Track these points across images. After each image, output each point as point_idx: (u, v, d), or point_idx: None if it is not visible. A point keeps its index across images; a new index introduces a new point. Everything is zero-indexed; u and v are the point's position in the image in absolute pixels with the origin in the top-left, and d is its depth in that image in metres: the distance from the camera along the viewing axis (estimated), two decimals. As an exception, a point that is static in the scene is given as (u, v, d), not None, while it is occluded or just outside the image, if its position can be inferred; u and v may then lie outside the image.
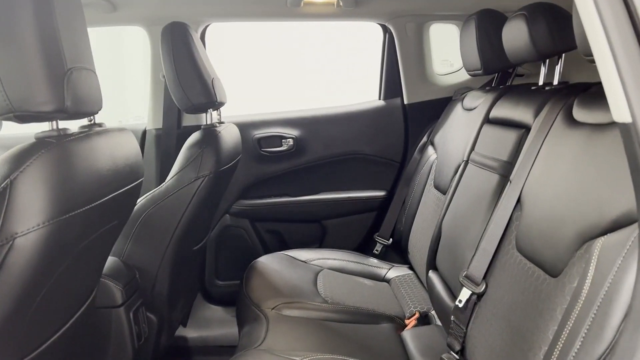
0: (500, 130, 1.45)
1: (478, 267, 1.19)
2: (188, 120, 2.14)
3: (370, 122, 2.29)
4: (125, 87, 3.86)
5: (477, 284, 1.18)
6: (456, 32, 2.26)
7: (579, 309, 0.79)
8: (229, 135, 1.70)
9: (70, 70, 0.90)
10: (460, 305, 1.21)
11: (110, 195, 1.01)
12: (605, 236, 0.80)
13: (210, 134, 1.59)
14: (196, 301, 2.19)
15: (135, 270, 1.48)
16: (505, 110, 1.49)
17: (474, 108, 1.73)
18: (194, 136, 1.61)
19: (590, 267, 0.80)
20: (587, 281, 0.79)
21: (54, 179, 0.83)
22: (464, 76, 2.23)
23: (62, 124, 0.95)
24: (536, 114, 1.26)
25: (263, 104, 2.49)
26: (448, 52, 2.39)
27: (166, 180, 1.55)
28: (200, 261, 2.12)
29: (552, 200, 1.01)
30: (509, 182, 1.24)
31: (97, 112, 1.04)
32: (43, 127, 0.94)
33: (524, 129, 1.32)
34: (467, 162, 1.58)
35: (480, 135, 1.57)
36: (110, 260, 1.44)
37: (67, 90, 0.88)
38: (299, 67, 4.09)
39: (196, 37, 1.64)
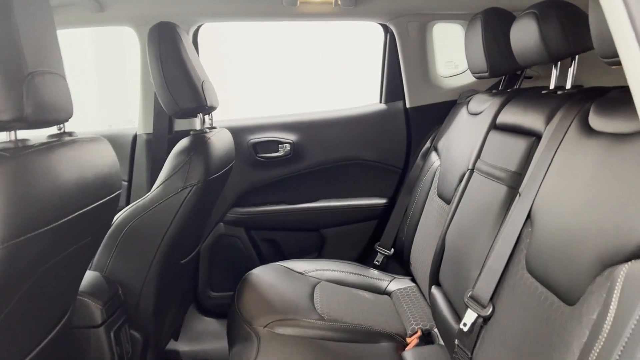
0: (509, 138, 1.36)
1: (484, 288, 1.10)
2: (180, 125, 2.06)
3: (371, 127, 2.20)
4: (121, 90, 3.79)
5: (484, 306, 1.09)
6: (461, 32, 2.17)
7: (599, 347, 0.69)
8: (220, 142, 1.61)
9: (31, 74, 0.81)
10: (465, 328, 1.12)
11: (79, 212, 0.92)
12: (630, 262, 0.70)
13: (199, 141, 1.51)
14: (189, 313, 2.11)
15: (117, 286, 1.39)
16: (513, 115, 1.40)
17: (480, 112, 1.63)
18: (181, 143, 1.53)
19: (613, 299, 0.70)
20: (608, 315, 0.70)
21: (7, 197, 0.74)
22: (469, 78, 2.15)
23: (29, 134, 0.87)
24: (548, 121, 1.17)
25: (261, 105, 2.41)
26: (452, 53, 2.30)
27: (151, 190, 1.47)
28: (193, 272, 2.04)
29: (567, 217, 0.91)
30: (518, 195, 1.14)
31: (67, 120, 0.96)
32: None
33: (534, 136, 1.22)
34: (472, 171, 1.49)
35: (486, 143, 1.48)
36: (91, 275, 1.35)
37: (27, 96, 0.80)
38: (299, 68, 4.00)
39: (186, 37, 1.55)
